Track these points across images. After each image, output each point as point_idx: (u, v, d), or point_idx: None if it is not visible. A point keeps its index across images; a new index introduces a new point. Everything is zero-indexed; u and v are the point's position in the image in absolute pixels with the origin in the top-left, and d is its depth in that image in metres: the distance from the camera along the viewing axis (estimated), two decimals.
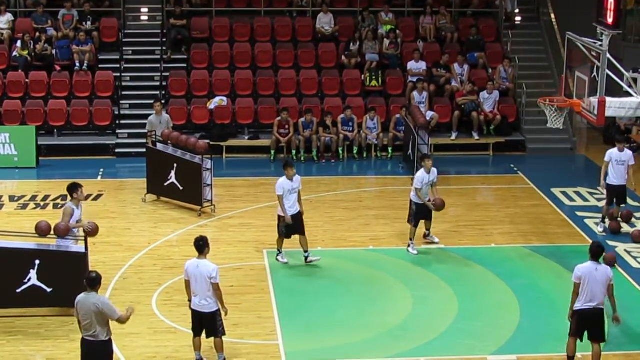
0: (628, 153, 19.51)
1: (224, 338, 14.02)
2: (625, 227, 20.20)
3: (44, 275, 15.41)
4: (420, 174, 18.69)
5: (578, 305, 13.73)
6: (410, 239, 18.88)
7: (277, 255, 18.21)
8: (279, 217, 17.86)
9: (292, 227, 17.79)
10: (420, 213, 18.85)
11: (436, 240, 19.33)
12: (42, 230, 15.59)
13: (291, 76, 27.48)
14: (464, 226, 20.03)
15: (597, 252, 13.77)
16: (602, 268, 13.73)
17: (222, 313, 13.89)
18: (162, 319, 15.75)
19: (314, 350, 14.82)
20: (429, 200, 18.83)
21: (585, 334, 13.89)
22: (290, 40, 28.50)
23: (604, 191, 20.07)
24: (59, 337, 15.05)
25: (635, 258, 18.73)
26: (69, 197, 16.15)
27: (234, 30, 28.54)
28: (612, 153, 19.50)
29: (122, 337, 14.72)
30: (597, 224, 20.30)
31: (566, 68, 18.90)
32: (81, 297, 12.49)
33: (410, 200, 18.97)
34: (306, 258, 18.01)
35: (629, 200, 21.79)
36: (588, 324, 13.78)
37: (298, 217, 17.83)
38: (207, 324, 13.88)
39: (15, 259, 15.51)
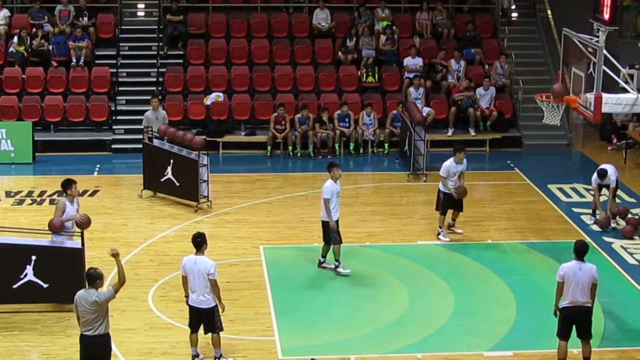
0: (611, 178, 19.81)
1: (220, 334, 14.03)
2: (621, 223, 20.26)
3: (40, 271, 15.41)
4: (449, 163, 19.09)
5: (563, 304, 13.74)
6: (440, 227, 19.25)
7: (336, 267, 17.43)
8: (324, 222, 17.21)
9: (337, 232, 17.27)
10: (448, 202, 19.17)
11: (459, 231, 19.57)
12: (54, 227, 15.57)
13: (287, 72, 27.47)
14: (460, 222, 20.00)
15: (581, 250, 13.75)
16: (586, 267, 13.67)
17: (220, 309, 13.90)
18: (159, 315, 15.75)
19: (310, 346, 14.80)
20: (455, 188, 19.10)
21: (574, 332, 13.89)
22: (286, 36, 28.49)
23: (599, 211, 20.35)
24: (55, 332, 15.05)
25: (631, 254, 18.74)
26: (64, 193, 16.18)
27: (231, 26, 28.52)
28: (597, 181, 19.94)
29: (119, 332, 14.73)
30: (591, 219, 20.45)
31: (562, 64, 18.89)
32: (80, 293, 12.52)
33: (438, 190, 19.29)
34: (321, 262, 17.64)
35: (624, 196, 21.86)
36: (574, 321, 13.77)
37: (338, 223, 17.37)
38: (205, 319, 13.88)
39: (12, 255, 15.49)
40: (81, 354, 12.72)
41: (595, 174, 19.97)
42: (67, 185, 16.01)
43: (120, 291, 16.23)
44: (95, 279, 12.51)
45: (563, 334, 13.85)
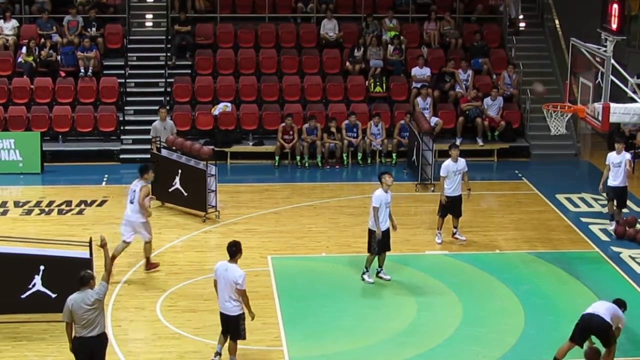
0: (624, 155, 19.91)
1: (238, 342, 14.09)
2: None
3: (48, 281, 15.43)
4: (447, 162, 19.33)
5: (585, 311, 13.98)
6: (438, 229, 19.52)
7: (363, 273, 17.56)
8: (370, 231, 17.29)
9: (382, 242, 17.27)
10: (447, 206, 19.35)
11: (462, 238, 19.62)
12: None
13: (295, 82, 27.52)
14: (468, 232, 20.00)
15: None
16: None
17: (249, 317, 14.00)
18: (167, 325, 15.75)
19: (318, 357, 14.81)
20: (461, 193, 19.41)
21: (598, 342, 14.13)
22: (294, 46, 28.54)
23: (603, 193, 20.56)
24: (63, 342, 14.95)
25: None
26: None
27: (238, 36, 28.58)
28: (610, 156, 20.08)
29: (127, 342, 14.75)
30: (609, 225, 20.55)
31: (570, 74, 18.90)
32: (75, 297, 12.52)
33: (440, 193, 19.50)
34: (378, 272, 17.68)
35: (633, 206, 21.85)
36: (591, 331, 13.96)
37: (388, 233, 17.40)
38: (230, 326, 13.99)
39: (20, 265, 15.52)
40: (82, 357, 12.66)
41: (614, 152, 20.07)
42: (145, 170, 17.59)
43: (129, 301, 16.44)
44: (89, 279, 12.66)
45: (576, 340, 14.01)
